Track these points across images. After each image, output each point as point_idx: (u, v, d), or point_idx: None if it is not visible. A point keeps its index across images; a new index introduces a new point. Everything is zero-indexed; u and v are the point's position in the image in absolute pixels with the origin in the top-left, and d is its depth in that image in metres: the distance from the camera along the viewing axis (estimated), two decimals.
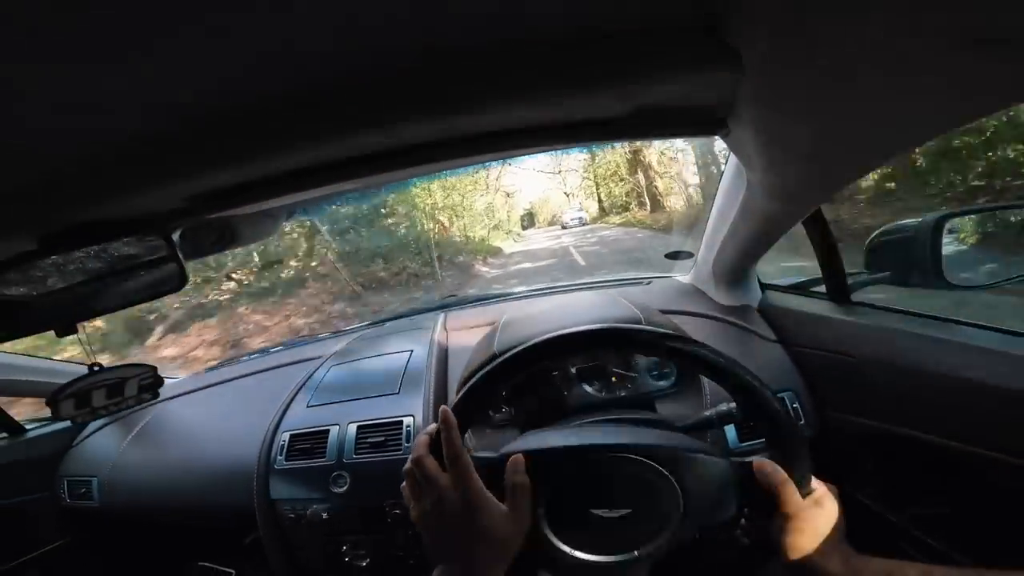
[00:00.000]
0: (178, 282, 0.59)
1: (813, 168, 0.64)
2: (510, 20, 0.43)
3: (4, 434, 1.50)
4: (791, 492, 0.61)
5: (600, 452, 0.65)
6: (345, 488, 1.05)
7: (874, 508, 1.01)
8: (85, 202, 0.55)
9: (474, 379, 0.67)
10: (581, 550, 0.67)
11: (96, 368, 0.69)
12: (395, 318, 1.75)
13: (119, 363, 0.79)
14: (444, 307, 1.64)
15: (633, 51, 0.47)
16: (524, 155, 0.67)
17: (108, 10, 0.31)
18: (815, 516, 0.60)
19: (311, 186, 0.61)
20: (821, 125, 0.54)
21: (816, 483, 0.64)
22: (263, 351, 1.79)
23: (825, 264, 1.00)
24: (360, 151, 0.57)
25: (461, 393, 0.68)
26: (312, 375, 1.35)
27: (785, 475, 0.62)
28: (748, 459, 0.65)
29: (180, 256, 0.59)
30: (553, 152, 0.70)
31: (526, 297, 1.62)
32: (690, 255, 1.29)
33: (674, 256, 1.35)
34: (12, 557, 1.42)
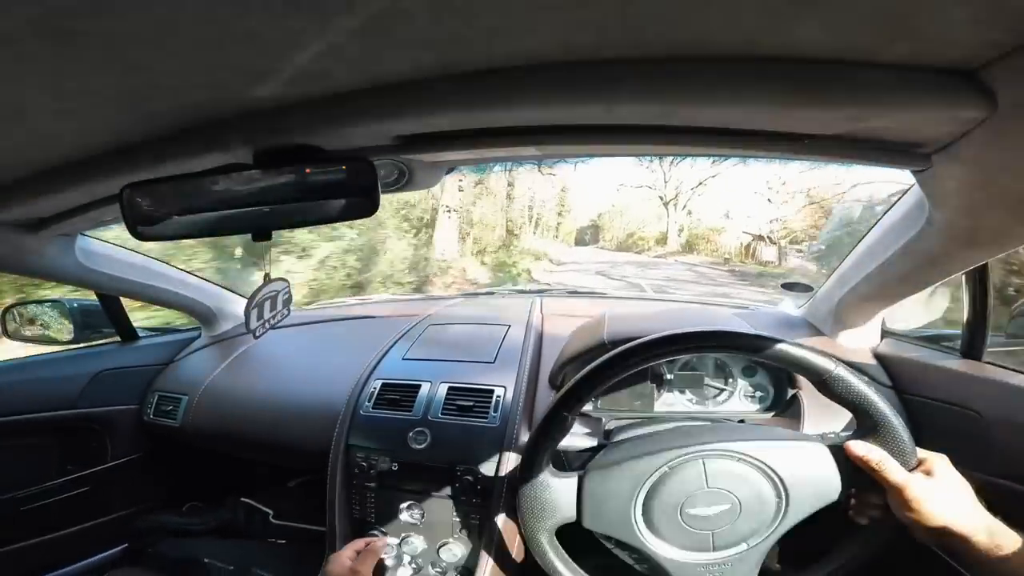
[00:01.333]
0: (371, 209, 0.63)
1: (1017, 216, 0.62)
2: (776, 33, 0.43)
3: (118, 338, 1.61)
4: (892, 467, 0.61)
5: (692, 453, 0.66)
6: (424, 446, 1.07)
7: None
8: (304, 127, 0.60)
9: (617, 351, 0.67)
10: (684, 549, 0.67)
11: (268, 278, 0.74)
12: (487, 294, 1.79)
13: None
14: (539, 292, 1.66)
15: (882, 80, 0.48)
16: (711, 155, 0.67)
17: None
18: (931, 486, 0.60)
19: (506, 145, 0.64)
20: None
21: (924, 453, 0.64)
22: (361, 300, 1.85)
23: (973, 319, 0.96)
24: (565, 121, 0.59)
25: (593, 366, 0.68)
26: (410, 330, 1.38)
27: (881, 452, 0.62)
28: (840, 440, 0.65)
29: (379, 186, 0.62)
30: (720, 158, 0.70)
31: (622, 299, 1.61)
32: (808, 288, 1.25)
33: (790, 287, 1.30)
34: (88, 465, 1.49)
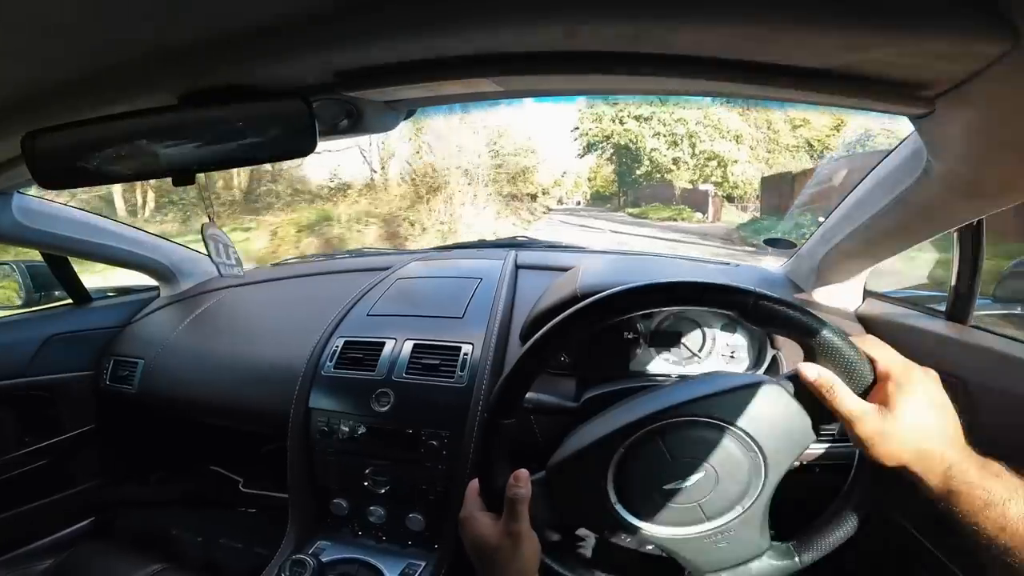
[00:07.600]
0: (308, 148, 0.57)
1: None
2: None
3: (70, 300, 1.51)
4: (843, 394, 0.54)
5: (644, 431, 0.62)
6: (387, 407, 1.03)
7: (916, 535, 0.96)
8: (234, 66, 0.54)
9: (578, 307, 0.62)
10: (677, 526, 0.64)
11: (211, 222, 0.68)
12: (463, 247, 1.72)
13: None
14: (515, 245, 1.59)
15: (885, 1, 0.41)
16: (687, 92, 0.60)
17: None
18: (886, 424, 0.52)
19: (461, 76, 0.57)
20: None
21: (891, 365, 0.55)
22: (330, 255, 1.78)
23: (961, 279, 0.92)
24: (523, 48, 0.52)
25: (553, 324, 0.63)
26: (377, 284, 1.32)
27: (833, 376, 0.55)
28: (794, 371, 0.59)
29: (316, 124, 0.56)
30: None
31: (601, 253, 1.55)
32: (791, 245, 1.21)
33: (773, 243, 1.26)
34: (42, 437, 1.41)
